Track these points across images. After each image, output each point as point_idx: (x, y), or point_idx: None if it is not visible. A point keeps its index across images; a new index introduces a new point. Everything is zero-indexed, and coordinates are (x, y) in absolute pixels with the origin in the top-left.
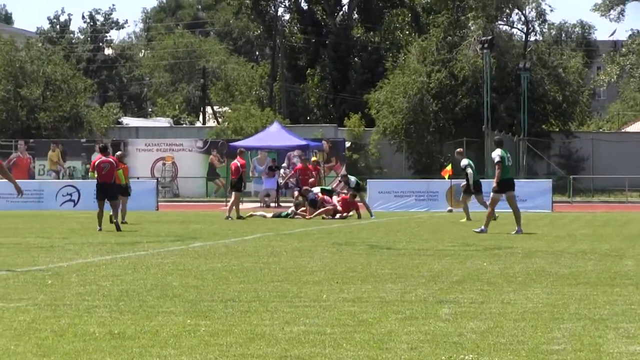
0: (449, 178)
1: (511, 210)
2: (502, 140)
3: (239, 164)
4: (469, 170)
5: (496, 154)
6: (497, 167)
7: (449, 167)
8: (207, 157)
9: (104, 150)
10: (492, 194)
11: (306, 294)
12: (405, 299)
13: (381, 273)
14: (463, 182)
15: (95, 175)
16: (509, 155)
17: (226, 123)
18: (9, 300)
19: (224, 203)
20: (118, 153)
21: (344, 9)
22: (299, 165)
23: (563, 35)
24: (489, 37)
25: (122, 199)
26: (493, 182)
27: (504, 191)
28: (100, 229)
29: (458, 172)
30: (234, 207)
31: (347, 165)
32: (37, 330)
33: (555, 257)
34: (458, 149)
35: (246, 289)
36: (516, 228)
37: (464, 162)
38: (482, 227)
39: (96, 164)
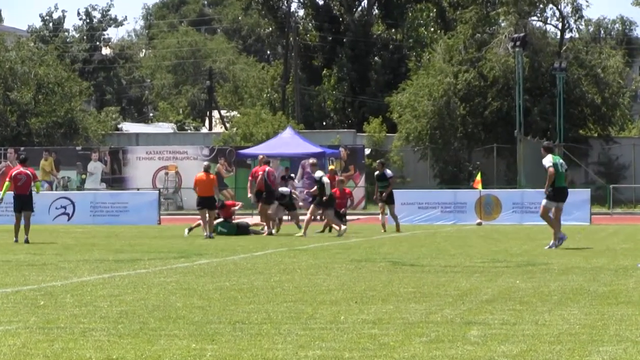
0: (482, 188)
1: (545, 222)
2: (552, 147)
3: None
4: (326, 180)
5: (547, 160)
6: (549, 172)
7: (479, 177)
8: (214, 166)
9: (23, 162)
10: (544, 201)
11: (322, 315)
12: (431, 320)
13: (404, 292)
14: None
15: (11, 186)
16: (561, 161)
17: (234, 129)
18: None
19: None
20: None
21: (362, 3)
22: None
23: (602, 32)
24: (522, 35)
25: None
26: (544, 189)
27: (558, 200)
28: (16, 241)
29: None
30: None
31: (366, 174)
32: (29, 356)
33: (593, 273)
34: (311, 160)
35: (256, 309)
36: (550, 242)
37: (319, 173)
38: (553, 240)
39: (13, 174)
